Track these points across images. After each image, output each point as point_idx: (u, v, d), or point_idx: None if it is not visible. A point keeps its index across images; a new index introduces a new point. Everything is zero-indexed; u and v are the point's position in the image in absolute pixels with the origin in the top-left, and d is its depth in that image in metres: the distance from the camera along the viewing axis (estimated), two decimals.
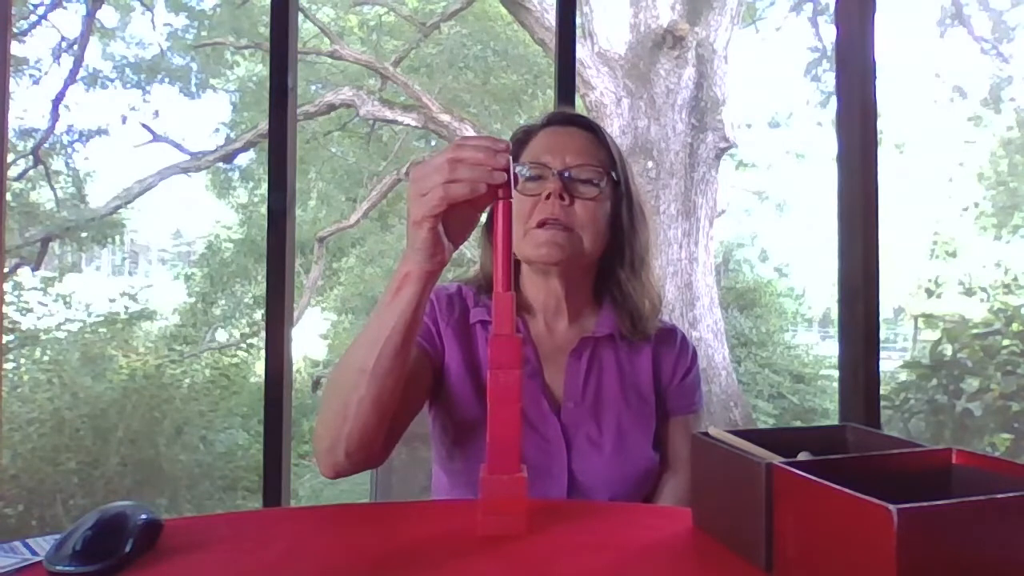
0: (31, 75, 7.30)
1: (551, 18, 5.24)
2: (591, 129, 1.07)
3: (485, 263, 1.09)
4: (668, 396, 1.08)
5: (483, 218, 1.12)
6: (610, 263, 1.07)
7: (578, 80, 5.03)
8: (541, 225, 0.99)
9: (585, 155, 1.02)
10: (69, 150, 7.62)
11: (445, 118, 6.52)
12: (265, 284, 1.73)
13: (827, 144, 8.71)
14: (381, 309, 0.80)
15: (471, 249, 1.15)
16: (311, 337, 9.41)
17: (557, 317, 1.07)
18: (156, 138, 7.87)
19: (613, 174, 1.04)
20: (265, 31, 4.81)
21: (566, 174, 1.00)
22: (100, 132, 7.67)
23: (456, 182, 0.70)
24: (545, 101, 7.78)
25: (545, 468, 0.96)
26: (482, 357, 1.02)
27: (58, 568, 0.59)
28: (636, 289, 1.06)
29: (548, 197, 0.98)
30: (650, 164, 5.37)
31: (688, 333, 5.28)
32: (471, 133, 6.41)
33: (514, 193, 0.97)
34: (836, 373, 1.84)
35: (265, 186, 1.88)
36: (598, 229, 1.02)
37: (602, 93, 5.49)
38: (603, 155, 1.05)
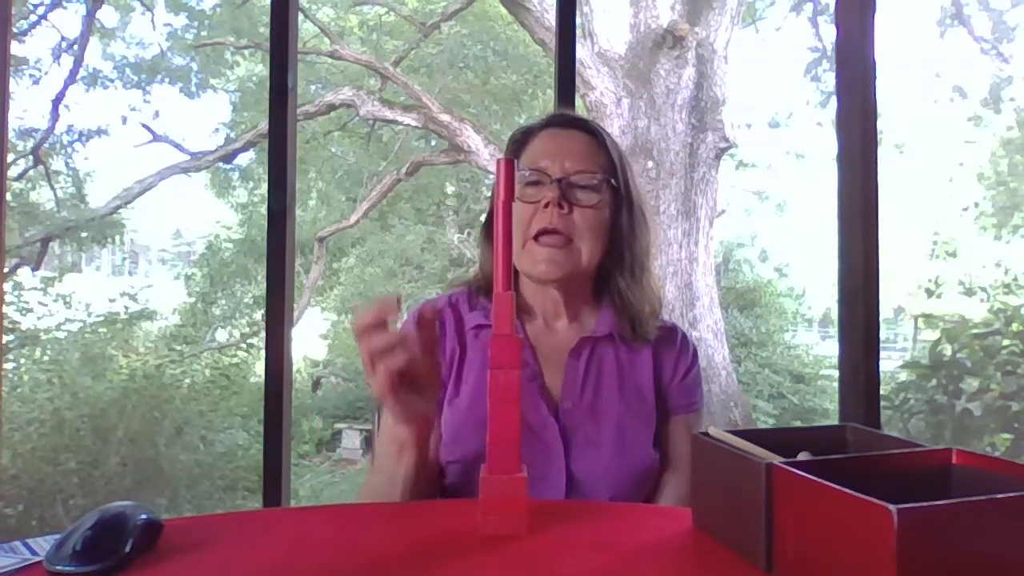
0: (31, 75, 7.31)
1: (551, 18, 5.24)
2: (592, 132, 1.05)
3: (484, 264, 1.08)
4: (669, 395, 1.07)
5: (483, 217, 1.12)
6: (609, 267, 1.06)
7: (578, 80, 5.03)
8: (540, 235, 0.98)
9: (585, 160, 1.01)
10: (69, 150, 7.63)
11: (445, 118, 6.52)
12: (265, 284, 1.73)
13: (827, 144, 8.71)
14: (387, 466, 0.87)
15: (470, 248, 1.15)
16: (311, 337, 9.41)
17: (556, 318, 1.07)
18: (156, 138, 7.88)
19: (613, 180, 1.03)
20: (265, 31, 4.82)
21: (565, 181, 1.00)
22: (100, 132, 7.68)
23: (379, 374, 0.74)
24: (545, 101, 7.79)
25: (543, 470, 0.96)
26: (479, 362, 1.02)
27: (58, 568, 0.59)
28: (636, 294, 1.05)
29: (547, 206, 0.98)
30: (650, 164, 5.37)
31: (688, 333, 5.29)
32: (471, 133, 6.41)
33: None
34: (836, 373, 1.84)
35: (265, 186, 1.88)
36: (596, 237, 1.01)
37: (602, 93, 5.49)
38: (603, 160, 1.04)
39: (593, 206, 1.00)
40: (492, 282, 1.04)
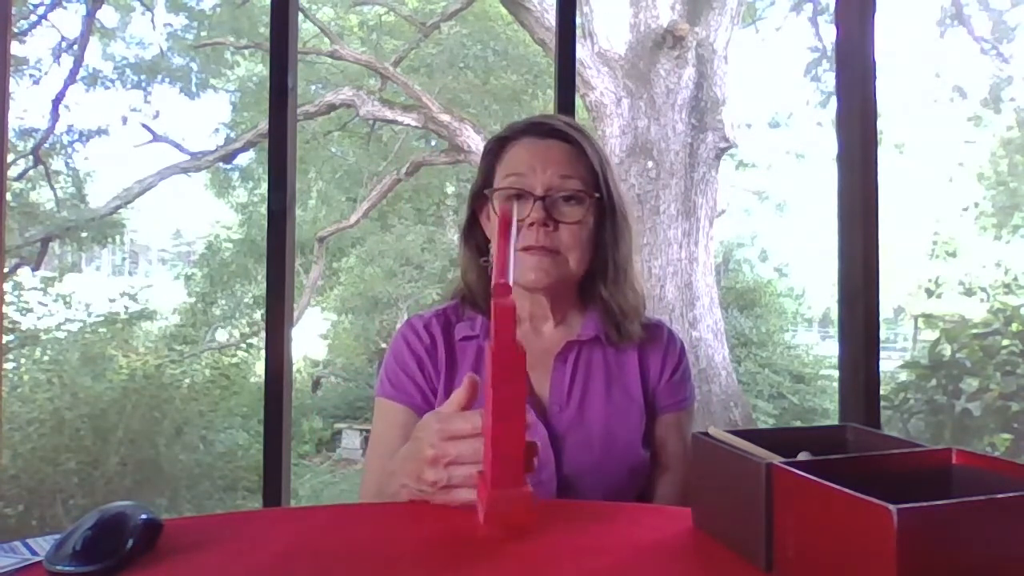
0: (31, 75, 7.31)
1: (551, 18, 5.24)
2: (571, 141, 1.03)
3: (466, 273, 1.07)
4: (657, 394, 1.07)
5: (461, 219, 1.12)
6: (594, 274, 1.06)
7: (578, 80, 5.03)
8: (525, 250, 0.98)
9: (567, 175, 1.00)
10: (69, 150, 7.63)
11: (445, 118, 6.52)
12: (265, 284, 1.73)
13: (827, 144, 8.72)
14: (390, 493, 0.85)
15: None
16: (311, 337, 9.41)
17: (543, 322, 1.07)
18: (156, 138, 7.88)
19: (596, 193, 1.02)
20: (265, 31, 4.82)
21: (548, 199, 0.98)
22: (100, 132, 7.68)
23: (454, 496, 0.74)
24: (545, 101, 7.79)
25: (534, 476, 0.96)
26: (467, 372, 1.02)
27: (58, 568, 0.59)
28: (618, 300, 1.05)
29: (532, 225, 0.97)
30: (650, 164, 5.37)
31: (688, 334, 5.30)
32: (471, 133, 6.41)
33: (492, 215, 0.98)
34: (836, 373, 1.84)
35: (265, 186, 1.88)
36: (583, 250, 1.01)
37: (602, 93, 5.49)
38: (585, 170, 1.02)
39: (578, 222, 1.00)
40: (476, 290, 1.05)
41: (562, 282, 1.01)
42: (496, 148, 1.06)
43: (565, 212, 0.99)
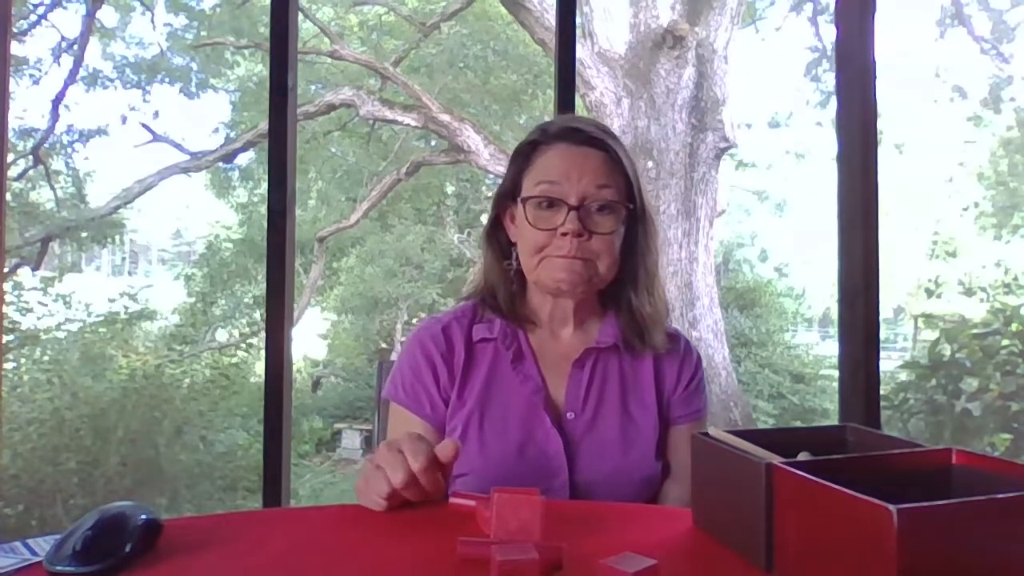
0: (31, 75, 7.31)
1: (551, 18, 5.24)
2: (607, 149, 1.01)
3: (489, 274, 1.07)
4: (672, 405, 1.07)
5: (483, 218, 1.12)
6: (622, 280, 1.05)
7: (578, 80, 5.03)
8: (556, 257, 0.98)
9: (602, 185, 0.98)
10: (69, 150, 7.63)
11: (445, 118, 6.52)
12: (265, 284, 1.73)
13: (827, 144, 8.71)
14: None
15: (471, 249, 1.13)
16: (311, 337, 9.41)
17: (562, 326, 1.06)
18: (156, 138, 7.88)
19: (631, 204, 1.01)
20: (265, 31, 4.82)
21: (583, 209, 0.97)
22: (100, 132, 7.68)
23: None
24: (545, 101, 7.79)
25: (546, 482, 0.96)
26: (482, 374, 1.02)
27: (58, 568, 0.60)
28: (647, 309, 1.04)
29: (565, 235, 0.96)
30: (650, 164, 5.37)
31: (688, 334, 5.30)
32: (471, 133, 6.41)
33: (525, 224, 0.97)
34: (836, 373, 1.84)
35: (265, 186, 1.88)
36: (614, 257, 1.00)
37: (602, 93, 5.49)
38: (620, 180, 1.00)
39: (611, 232, 0.98)
40: (497, 292, 1.05)
41: (591, 287, 1.01)
42: (528, 151, 1.03)
43: (599, 222, 0.98)
